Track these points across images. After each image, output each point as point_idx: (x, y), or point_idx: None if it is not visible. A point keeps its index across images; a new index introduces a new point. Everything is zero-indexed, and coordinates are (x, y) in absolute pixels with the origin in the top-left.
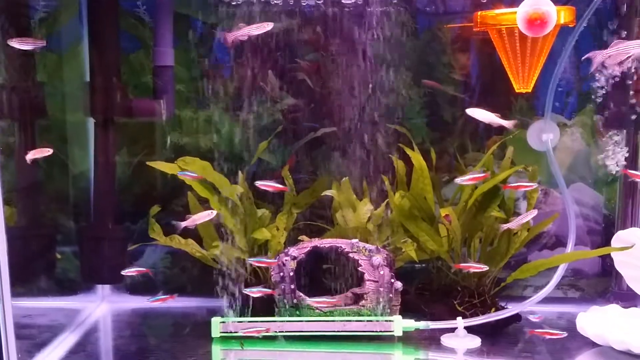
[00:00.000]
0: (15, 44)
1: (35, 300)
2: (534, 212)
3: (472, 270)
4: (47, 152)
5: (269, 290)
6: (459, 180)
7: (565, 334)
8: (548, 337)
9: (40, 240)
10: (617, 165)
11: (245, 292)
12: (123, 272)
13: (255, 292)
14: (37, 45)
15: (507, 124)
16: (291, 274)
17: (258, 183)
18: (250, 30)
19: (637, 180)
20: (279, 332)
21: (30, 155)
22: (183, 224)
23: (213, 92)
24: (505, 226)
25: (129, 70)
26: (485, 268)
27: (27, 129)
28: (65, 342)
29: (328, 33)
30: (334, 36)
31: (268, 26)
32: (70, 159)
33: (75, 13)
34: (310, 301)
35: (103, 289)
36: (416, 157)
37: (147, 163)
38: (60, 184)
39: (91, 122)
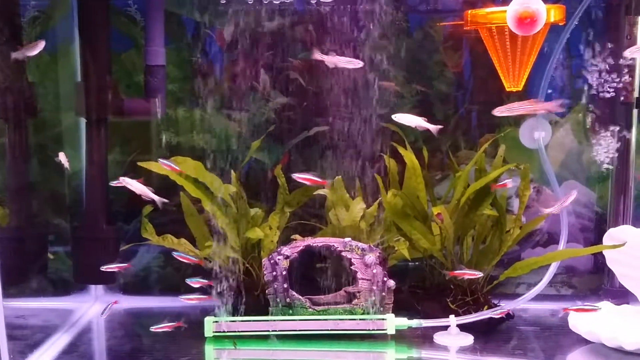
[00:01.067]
0: (20, 55)
1: (28, 300)
2: (574, 194)
3: (466, 277)
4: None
5: (206, 281)
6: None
7: (599, 308)
8: (583, 312)
9: (33, 241)
10: (609, 163)
11: (187, 281)
12: (102, 268)
13: (194, 282)
14: (39, 47)
15: (433, 128)
16: (284, 273)
17: (295, 175)
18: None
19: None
20: (272, 331)
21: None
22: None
23: (205, 92)
24: (547, 211)
25: (121, 70)
26: (480, 275)
27: (19, 129)
28: (58, 342)
29: (320, 31)
30: (326, 34)
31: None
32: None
33: (67, 12)
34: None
35: (96, 289)
36: (409, 156)
37: (139, 163)
38: (52, 184)
39: (83, 122)
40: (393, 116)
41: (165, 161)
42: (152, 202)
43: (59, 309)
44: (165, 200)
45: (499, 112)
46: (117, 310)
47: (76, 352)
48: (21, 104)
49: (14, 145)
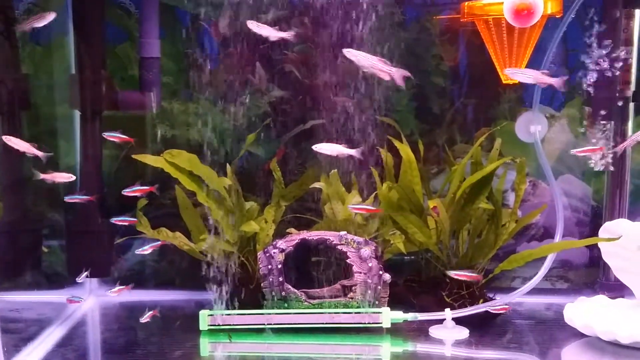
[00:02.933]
0: (27, 26)
1: (22, 294)
2: None
3: (466, 279)
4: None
5: (158, 242)
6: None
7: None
8: None
9: (27, 234)
10: (604, 158)
11: (138, 252)
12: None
13: (147, 249)
14: (48, 18)
15: (355, 152)
16: (279, 266)
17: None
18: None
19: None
20: (267, 324)
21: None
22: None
23: (200, 84)
24: (616, 149)
25: (115, 62)
26: (479, 277)
27: (12, 122)
28: (52, 335)
29: (316, 24)
30: (322, 27)
31: (51, 16)
32: (57, 152)
33: (61, 4)
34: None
35: (90, 283)
36: (404, 149)
37: (133, 156)
38: None
39: (78, 114)
40: (314, 146)
41: (111, 133)
42: (147, 196)
43: (53, 302)
44: (50, 153)
45: (510, 71)
46: (112, 304)
47: (70, 346)
48: (15, 97)
49: None
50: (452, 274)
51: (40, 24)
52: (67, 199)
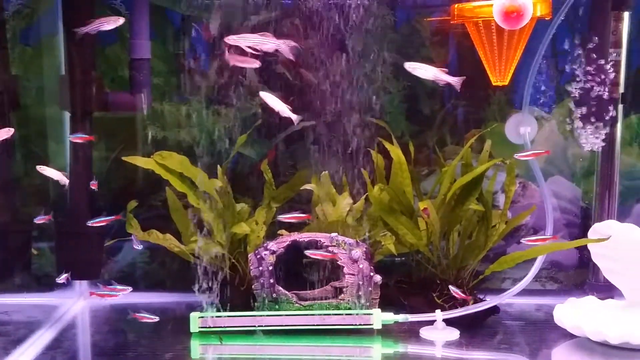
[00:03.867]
0: (93, 29)
1: (11, 296)
2: None
3: (459, 297)
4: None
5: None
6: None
7: None
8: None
9: (17, 236)
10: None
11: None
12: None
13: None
14: (118, 22)
15: (294, 118)
16: (270, 268)
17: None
18: (100, 26)
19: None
20: (258, 326)
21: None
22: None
23: (191, 86)
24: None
25: (106, 63)
26: (470, 299)
27: (2, 123)
28: (42, 338)
29: (306, 26)
30: (312, 29)
31: (120, 20)
32: (47, 153)
33: (51, 5)
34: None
35: (80, 285)
36: (395, 151)
37: (123, 158)
38: (36, 178)
39: (67, 115)
40: (261, 93)
41: (75, 135)
42: (137, 197)
43: (42, 304)
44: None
45: (409, 66)
46: (102, 306)
47: (60, 348)
48: (4, 97)
49: None
50: (452, 289)
51: (109, 27)
52: (90, 223)
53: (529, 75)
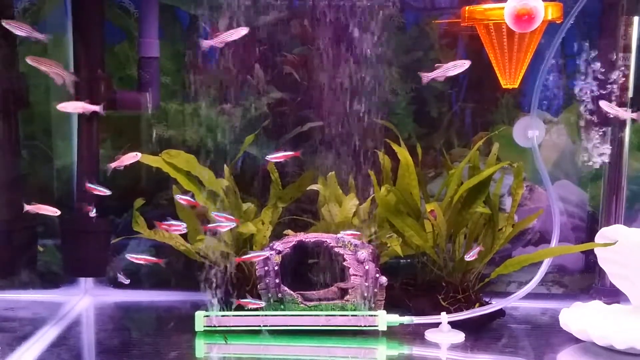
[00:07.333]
0: (219, 42)
1: (17, 293)
2: None
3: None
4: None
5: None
6: None
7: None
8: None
9: (23, 233)
10: (600, 158)
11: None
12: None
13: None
14: (242, 32)
15: (99, 108)
16: (276, 268)
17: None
18: (226, 37)
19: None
20: (263, 326)
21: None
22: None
23: (199, 85)
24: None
25: (114, 62)
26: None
27: (9, 121)
28: (47, 335)
29: (316, 27)
30: (321, 30)
31: (243, 31)
32: (54, 151)
33: (60, 3)
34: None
35: (86, 282)
36: (402, 153)
37: None
38: (43, 176)
39: (75, 114)
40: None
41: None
42: (144, 195)
43: (48, 301)
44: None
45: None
46: (107, 304)
47: (65, 345)
48: (11, 95)
49: (4, 136)
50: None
51: (233, 38)
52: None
53: (538, 79)
